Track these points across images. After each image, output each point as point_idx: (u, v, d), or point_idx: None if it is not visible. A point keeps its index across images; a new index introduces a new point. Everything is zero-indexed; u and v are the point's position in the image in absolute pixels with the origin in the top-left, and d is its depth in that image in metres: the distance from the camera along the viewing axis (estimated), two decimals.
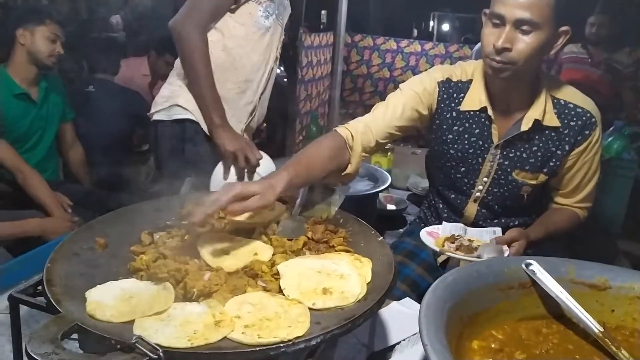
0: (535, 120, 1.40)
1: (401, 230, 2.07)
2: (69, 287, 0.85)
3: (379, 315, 1.16)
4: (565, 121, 1.43)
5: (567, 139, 1.43)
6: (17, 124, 2.30)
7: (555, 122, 1.42)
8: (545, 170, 1.47)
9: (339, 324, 0.79)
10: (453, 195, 1.60)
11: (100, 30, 4.65)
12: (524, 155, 1.45)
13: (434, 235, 1.40)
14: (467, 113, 1.47)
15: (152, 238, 1.04)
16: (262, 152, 1.73)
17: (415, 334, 1.11)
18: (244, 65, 1.80)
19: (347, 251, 1.03)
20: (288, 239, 1.05)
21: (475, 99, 1.45)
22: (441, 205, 1.66)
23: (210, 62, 1.68)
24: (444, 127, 1.51)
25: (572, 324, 0.95)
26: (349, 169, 1.37)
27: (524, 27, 1.26)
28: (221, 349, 0.73)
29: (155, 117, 1.80)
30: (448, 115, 1.50)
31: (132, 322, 0.77)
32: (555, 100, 1.43)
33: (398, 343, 1.11)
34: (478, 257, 1.28)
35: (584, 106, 1.43)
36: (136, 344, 0.69)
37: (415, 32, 8.28)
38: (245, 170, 1.69)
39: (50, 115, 2.47)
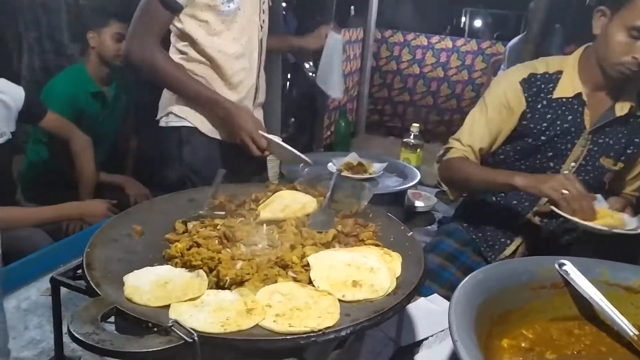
0: (632, 106, 1.46)
1: (429, 227, 2.06)
2: (108, 271, 0.87)
3: (407, 310, 1.16)
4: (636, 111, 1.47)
5: (636, 124, 1.47)
6: (91, 122, 2.37)
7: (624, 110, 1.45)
8: (623, 157, 1.52)
9: (368, 316, 0.79)
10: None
11: None
12: (611, 141, 1.50)
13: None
14: (559, 100, 1.52)
15: (185, 227, 1.06)
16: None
17: (443, 330, 1.11)
18: (224, 61, 1.66)
19: (376, 245, 1.03)
20: (318, 232, 1.06)
21: (568, 86, 1.51)
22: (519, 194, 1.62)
23: (177, 66, 1.58)
24: (536, 117, 1.54)
25: (606, 326, 0.93)
26: None
27: None
28: (253, 336, 0.74)
29: (160, 123, 1.79)
30: (539, 106, 1.54)
31: (167, 306, 0.79)
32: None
33: (426, 339, 1.11)
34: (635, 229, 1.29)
35: None
36: (172, 328, 0.71)
37: (444, 27, 8.18)
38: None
39: (119, 114, 2.54)
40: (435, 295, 1.29)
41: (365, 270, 0.91)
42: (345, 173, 1.84)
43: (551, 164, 1.56)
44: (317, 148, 3.50)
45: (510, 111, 1.55)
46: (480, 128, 1.59)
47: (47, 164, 2.38)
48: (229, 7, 1.58)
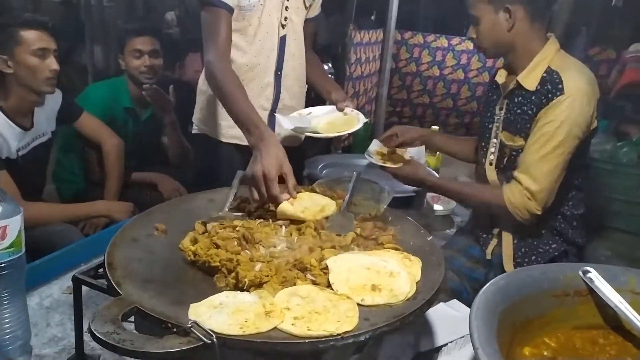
0: (516, 81, 1.54)
1: (448, 231, 2.04)
2: (129, 271, 0.88)
3: (426, 315, 1.14)
4: (542, 86, 1.50)
5: (538, 102, 1.49)
6: (119, 135, 2.36)
7: (532, 86, 1.51)
8: (522, 134, 1.54)
9: (387, 321, 0.78)
10: (480, 164, 1.73)
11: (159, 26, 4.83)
12: (511, 117, 1.58)
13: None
14: (494, 86, 1.69)
15: (205, 227, 1.07)
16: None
17: (464, 336, 1.09)
18: (239, 57, 1.66)
19: (396, 249, 1.02)
20: (337, 235, 1.05)
21: (498, 74, 1.68)
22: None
23: (231, 80, 1.50)
24: (484, 102, 1.76)
25: (632, 335, 0.91)
26: None
27: (474, 21, 1.56)
28: (271, 339, 0.74)
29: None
30: (488, 93, 1.76)
31: (186, 307, 0.79)
32: (549, 70, 1.50)
33: (445, 345, 1.09)
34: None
35: (562, 75, 1.47)
36: (192, 329, 0.71)
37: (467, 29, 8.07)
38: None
39: (149, 135, 2.56)
40: (455, 300, 1.27)
41: (385, 275, 0.90)
42: (382, 162, 1.68)
43: (482, 142, 1.71)
44: (336, 150, 3.50)
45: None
46: None
47: (76, 163, 2.41)
48: (249, 1, 1.60)
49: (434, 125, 2.59)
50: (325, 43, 4.21)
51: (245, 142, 1.68)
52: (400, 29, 4.45)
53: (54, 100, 2.06)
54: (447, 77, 4.51)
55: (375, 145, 1.74)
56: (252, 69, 1.68)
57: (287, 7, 1.67)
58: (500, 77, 1.64)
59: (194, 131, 1.85)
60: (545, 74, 1.50)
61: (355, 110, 1.64)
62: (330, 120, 1.63)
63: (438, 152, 2.45)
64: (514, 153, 1.57)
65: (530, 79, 1.52)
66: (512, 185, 1.50)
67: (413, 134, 1.79)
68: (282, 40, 1.69)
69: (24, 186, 1.85)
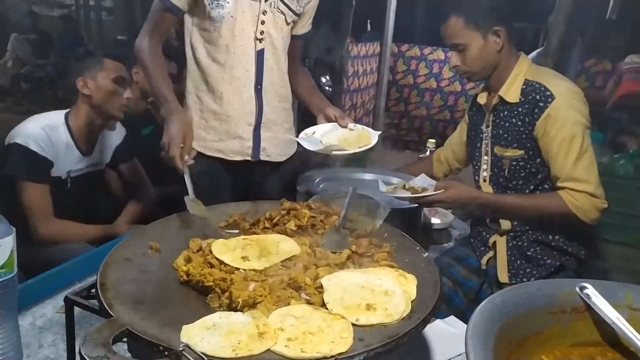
0: (499, 96, 1.62)
1: (445, 245, 2.03)
2: (121, 292, 0.87)
3: (423, 333, 1.13)
4: (527, 97, 1.57)
5: (524, 111, 1.57)
6: None
7: (515, 98, 1.59)
8: (517, 145, 1.60)
9: (382, 342, 0.78)
10: (475, 182, 1.77)
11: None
12: (501, 131, 1.64)
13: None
14: (477, 107, 1.76)
15: (199, 245, 1.06)
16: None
17: (461, 354, 1.08)
18: (213, 70, 1.67)
19: (391, 266, 1.01)
20: (332, 252, 1.05)
21: (479, 95, 1.75)
22: None
23: (156, 62, 1.62)
24: (469, 125, 1.82)
25: (630, 352, 0.90)
26: None
27: (459, 48, 1.62)
28: None
29: None
30: (472, 116, 1.82)
31: (179, 329, 0.78)
32: (527, 81, 1.59)
33: None
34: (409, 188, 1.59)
35: (546, 84, 1.54)
36: (183, 352, 0.70)
37: None
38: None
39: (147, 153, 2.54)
40: (452, 317, 1.27)
41: (380, 293, 0.89)
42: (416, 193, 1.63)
43: (474, 162, 1.77)
44: (333, 163, 3.50)
45: (463, 126, 1.90)
46: (451, 140, 2.00)
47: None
48: (218, 12, 1.60)
49: (430, 137, 2.59)
50: (323, 56, 4.23)
51: (230, 157, 1.74)
52: (397, 41, 4.49)
53: (118, 135, 2.16)
54: (444, 89, 4.54)
55: (383, 186, 1.65)
56: (230, 82, 1.67)
57: (263, 22, 1.65)
58: (482, 98, 1.72)
59: None
60: (524, 86, 1.58)
61: (358, 125, 1.62)
62: (342, 137, 1.60)
63: None
64: (514, 163, 1.61)
65: (511, 92, 1.60)
66: (567, 192, 1.52)
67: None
68: (260, 54, 1.68)
69: (65, 208, 1.92)
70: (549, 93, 1.52)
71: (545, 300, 0.93)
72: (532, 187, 1.63)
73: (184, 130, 1.46)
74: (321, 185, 1.93)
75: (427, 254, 1.07)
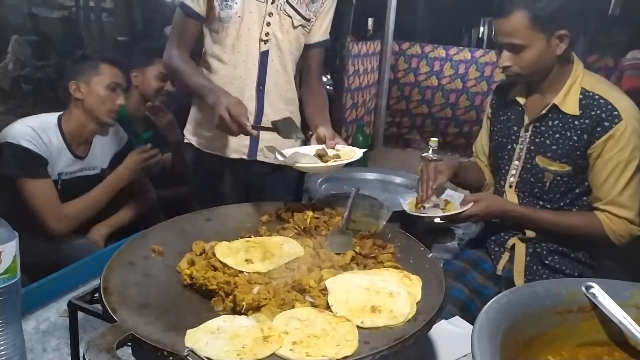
0: (553, 104, 1.48)
1: (449, 244, 2.03)
2: (124, 296, 0.87)
3: (428, 334, 1.13)
4: (587, 110, 1.45)
5: (586, 127, 1.45)
6: None
7: (574, 110, 1.46)
8: (568, 160, 1.49)
9: (388, 344, 0.77)
10: (497, 185, 1.68)
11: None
12: (547, 141, 1.52)
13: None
14: (510, 104, 1.63)
15: (203, 248, 1.05)
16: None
17: (466, 355, 1.08)
18: (219, 68, 1.69)
19: (395, 267, 1.01)
20: (336, 254, 1.04)
21: (514, 91, 1.61)
22: None
23: (187, 62, 1.65)
24: (495, 120, 1.69)
25: (637, 352, 0.89)
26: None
27: (515, 49, 1.43)
28: None
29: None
30: (497, 110, 1.69)
31: (184, 333, 0.78)
32: (584, 91, 1.47)
33: None
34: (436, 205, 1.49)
35: (609, 99, 1.43)
36: (188, 357, 0.70)
37: (466, 39, 8.12)
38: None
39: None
40: (457, 317, 1.26)
41: (385, 295, 0.89)
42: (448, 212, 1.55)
43: (501, 164, 1.65)
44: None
45: (488, 119, 1.75)
46: (481, 138, 1.80)
47: None
48: (226, 13, 1.61)
49: (432, 135, 2.58)
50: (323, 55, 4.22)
51: (227, 155, 1.74)
52: (398, 39, 4.48)
53: (118, 140, 2.15)
54: (445, 86, 4.53)
55: (406, 205, 1.55)
56: (231, 80, 1.67)
57: (268, 23, 1.65)
58: (520, 97, 1.58)
59: (185, 140, 1.86)
60: (581, 96, 1.46)
61: (347, 146, 1.44)
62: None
63: None
64: (558, 178, 1.52)
65: (568, 102, 1.48)
66: (606, 215, 1.47)
67: (450, 164, 1.61)
68: (264, 55, 1.68)
69: None
70: (616, 113, 1.41)
71: (552, 300, 0.92)
72: (567, 201, 1.55)
73: (237, 100, 1.45)
74: (324, 185, 1.93)
75: (431, 254, 1.06)
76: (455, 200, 1.53)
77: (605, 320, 0.91)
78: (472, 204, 1.47)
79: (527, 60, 1.43)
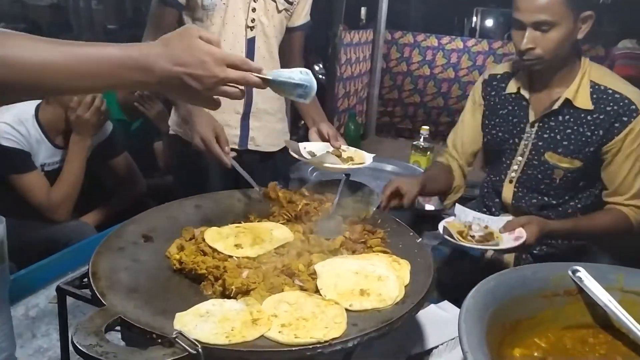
0: (566, 99, 1.43)
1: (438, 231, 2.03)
2: (113, 281, 0.87)
3: (416, 317, 1.14)
4: (602, 105, 1.41)
5: (601, 123, 1.41)
6: None
7: (587, 105, 1.42)
8: (580, 156, 1.45)
9: (376, 326, 0.78)
10: (495, 178, 1.64)
11: None
12: (558, 137, 1.47)
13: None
14: (509, 96, 1.57)
15: (192, 234, 1.05)
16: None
17: (454, 338, 1.09)
18: None
19: (384, 252, 1.02)
20: (325, 239, 1.05)
21: (514, 84, 1.56)
22: (486, 191, 1.72)
23: None
24: (491, 114, 1.62)
25: (621, 334, 0.91)
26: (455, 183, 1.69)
27: (543, 27, 1.34)
28: (258, 347, 0.73)
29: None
30: (493, 103, 1.62)
31: (172, 316, 0.78)
32: (594, 85, 1.43)
33: (436, 347, 1.09)
34: (496, 245, 1.29)
35: (624, 92, 1.40)
36: (176, 339, 0.70)
37: (457, 28, 8.11)
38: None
39: (141, 144, 2.54)
40: (446, 301, 1.27)
41: (373, 279, 0.89)
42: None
43: (503, 158, 1.60)
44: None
45: (476, 107, 1.67)
46: (461, 132, 1.71)
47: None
48: (211, 0, 1.57)
49: (424, 125, 2.58)
50: (315, 44, 4.19)
51: None
52: (390, 28, 4.46)
53: (102, 130, 2.07)
54: (437, 76, 4.52)
55: (444, 230, 1.34)
56: None
57: (254, 9, 1.63)
58: (525, 90, 1.52)
59: (170, 132, 1.84)
60: (591, 89, 1.43)
61: (351, 147, 1.50)
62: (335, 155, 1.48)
63: (429, 152, 2.45)
64: (569, 174, 1.48)
65: (580, 96, 1.43)
66: (629, 209, 1.45)
67: (413, 190, 1.41)
68: (251, 42, 1.66)
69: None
70: (634, 107, 1.38)
71: (538, 284, 0.93)
72: (571, 194, 1.53)
73: (212, 126, 1.42)
74: (315, 173, 1.93)
75: (420, 239, 1.07)
76: (491, 224, 1.36)
77: (591, 304, 0.93)
78: (521, 229, 1.32)
79: (553, 41, 1.35)
